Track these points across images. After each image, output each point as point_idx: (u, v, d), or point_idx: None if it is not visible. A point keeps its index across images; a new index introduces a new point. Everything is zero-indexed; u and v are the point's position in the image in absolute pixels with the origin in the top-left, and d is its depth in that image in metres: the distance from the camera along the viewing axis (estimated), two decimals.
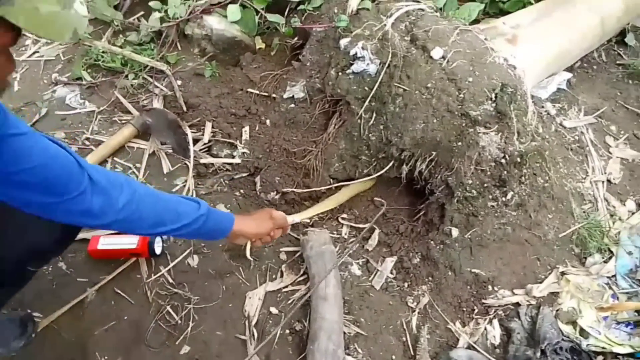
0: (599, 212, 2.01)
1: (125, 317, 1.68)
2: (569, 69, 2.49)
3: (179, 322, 1.67)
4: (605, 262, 1.87)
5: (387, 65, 1.89)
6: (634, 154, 2.24)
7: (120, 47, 2.40)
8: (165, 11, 2.39)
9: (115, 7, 2.54)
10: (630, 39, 2.66)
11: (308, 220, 2.01)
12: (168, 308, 1.69)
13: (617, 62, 2.63)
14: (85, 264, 1.79)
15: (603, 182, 2.11)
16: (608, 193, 2.08)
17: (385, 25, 1.96)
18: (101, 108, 2.24)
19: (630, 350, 1.63)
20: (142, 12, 2.58)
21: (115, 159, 2.08)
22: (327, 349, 1.52)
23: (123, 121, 2.21)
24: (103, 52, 2.35)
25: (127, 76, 2.33)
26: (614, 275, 1.84)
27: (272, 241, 1.63)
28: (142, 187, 1.23)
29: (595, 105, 2.40)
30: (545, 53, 2.25)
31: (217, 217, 1.39)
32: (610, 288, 1.80)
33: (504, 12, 2.56)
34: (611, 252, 1.90)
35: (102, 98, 2.27)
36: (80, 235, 1.82)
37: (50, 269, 1.75)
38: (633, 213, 2.03)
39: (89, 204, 1.07)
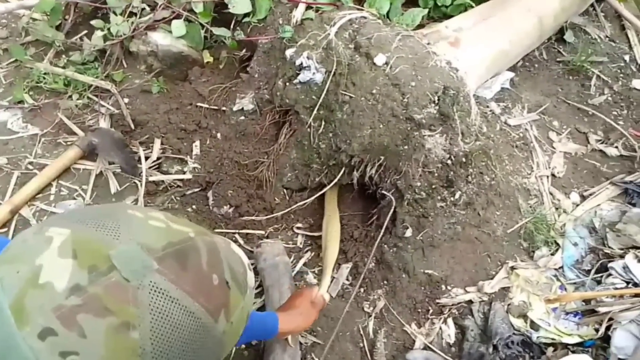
0: (545, 206, 2.07)
1: None
2: (512, 69, 2.56)
3: None
4: (552, 254, 1.93)
5: (332, 73, 1.91)
6: (576, 147, 2.32)
7: (63, 67, 2.35)
8: (108, 29, 2.35)
9: (57, 28, 2.48)
10: (569, 36, 2.76)
11: (263, 232, 2.01)
12: None
13: (557, 59, 2.72)
14: None
15: (548, 176, 2.18)
16: (553, 187, 2.15)
17: (329, 34, 1.98)
18: (45, 130, 2.18)
19: (579, 340, 1.69)
20: (85, 32, 2.52)
21: (60, 182, 2.03)
22: None
23: (68, 143, 2.16)
24: (45, 73, 2.30)
25: (70, 97, 2.28)
26: (561, 267, 1.90)
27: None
28: None
29: (538, 102, 2.48)
30: (488, 54, 2.31)
31: (259, 323, 1.32)
32: (558, 280, 1.85)
33: (447, 16, 2.61)
34: (557, 244, 1.96)
35: (46, 120, 2.22)
36: None
37: None
38: (577, 205, 2.10)
39: None
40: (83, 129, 2.21)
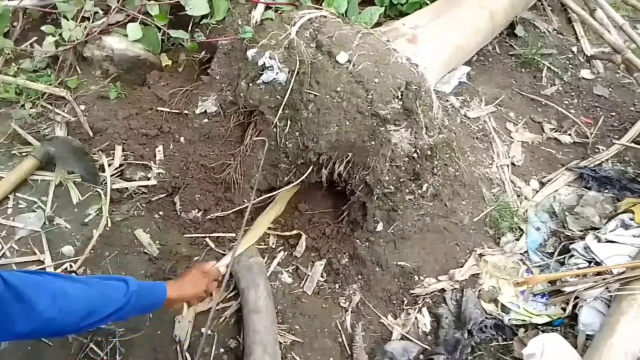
0: (507, 194, 2.15)
1: None
2: (467, 63, 2.64)
3: (105, 358, 1.59)
4: (517, 240, 2.00)
5: (296, 72, 1.91)
6: (532, 137, 2.42)
7: (14, 76, 2.25)
8: (60, 34, 2.27)
9: (5, 35, 2.37)
10: (519, 30, 2.87)
11: (234, 235, 1.98)
12: (91, 345, 1.60)
13: (510, 52, 2.82)
14: None
15: (508, 165, 2.26)
16: (513, 175, 2.23)
17: (290, 33, 1.98)
18: None
19: (548, 320, 1.76)
20: (35, 38, 2.43)
21: (17, 194, 1.94)
22: None
23: (23, 153, 2.07)
24: None
25: (23, 106, 2.19)
26: (526, 252, 1.97)
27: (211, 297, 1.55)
28: (61, 279, 1.12)
29: (494, 95, 2.57)
30: (445, 49, 2.37)
31: (148, 290, 1.32)
32: (524, 264, 1.93)
33: (403, 14, 2.67)
34: (521, 230, 2.04)
35: None
36: None
37: None
38: (537, 191, 2.19)
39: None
40: (38, 138, 2.12)
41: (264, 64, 1.97)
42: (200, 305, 1.74)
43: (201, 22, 2.28)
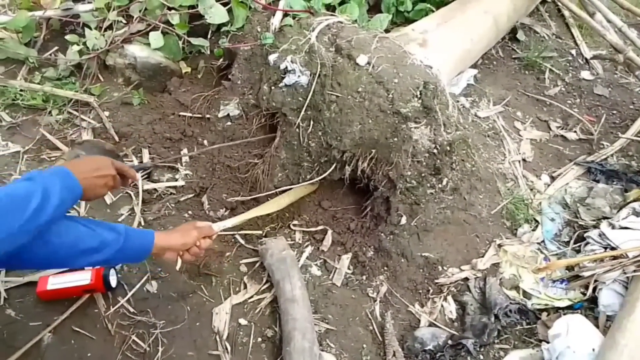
0: (521, 188, 2.24)
1: (89, 354, 1.60)
2: (474, 66, 2.75)
3: (148, 349, 1.63)
4: (533, 230, 2.09)
5: (317, 75, 2.00)
6: (540, 134, 2.52)
7: (39, 83, 2.31)
8: (84, 43, 2.34)
9: (27, 45, 2.44)
10: (520, 35, 3.00)
11: (261, 232, 2.05)
12: (133, 337, 1.65)
13: (513, 56, 2.94)
14: (35, 307, 1.69)
15: (519, 161, 2.36)
16: (525, 170, 2.33)
17: (310, 38, 2.07)
18: (26, 147, 2.13)
19: (568, 303, 1.84)
20: (56, 47, 2.50)
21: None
22: (303, 347, 1.56)
23: (52, 158, 2.12)
24: (21, 90, 2.25)
25: (50, 112, 2.25)
26: (543, 241, 2.06)
27: (202, 253, 1.57)
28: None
29: (500, 96, 2.68)
30: (453, 53, 2.48)
31: (138, 234, 1.38)
32: (542, 252, 2.01)
33: (409, 21, 2.78)
34: (537, 221, 2.12)
35: (26, 137, 2.17)
36: (27, 279, 1.74)
37: None
38: (548, 185, 2.29)
39: None
40: (65, 143, 2.18)
41: (286, 67, 2.05)
42: (235, 298, 1.81)
43: (221, 30, 2.37)
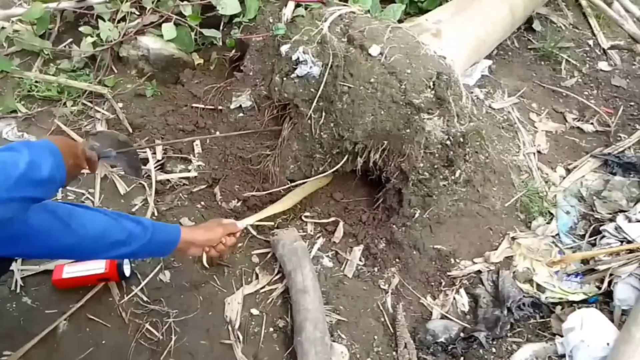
0: (535, 180, 2.21)
1: (103, 342, 1.63)
2: (489, 57, 2.72)
3: (161, 337, 1.65)
4: (548, 223, 2.06)
5: (329, 66, 1.98)
6: (556, 126, 2.48)
7: (54, 75, 2.34)
8: (98, 35, 2.36)
9: (42, 36, 2.46)
10: (537, 25, 2.95)
11: (272, 223, 2.05)
12: (147, 325, 1.66)
13: (529, 47, 2.90)
14: (51, 295, 1.72)
15: (534, 153, 2.33)
16: (540, 162, 2.30)
17: (322, 29, 2.05)
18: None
19: (583, 297, 1.82)
20: (70, 39, 2.52)
21: (66, 187, 2.01)
22: (314, 337, 1.56)
23: None
24: (36, 82, 2.28)
25: (65, 104, 2.27)
26: (557, 234, 2.03)
27: (227, 250, 1.59)
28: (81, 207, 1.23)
29: (515, 87, 2.64)
30: (467, 43, 2.45)
31: (164, 228, 1.39)
32: (556, 245, 1.98)
33: (422, 11, 2.75)
34: (551, 214, 2.10)
35: (42, 128, 2.19)
36: (43, 267, 1.76)
37: (14, 305, 1.67)
38: (564, 178, 2.25)
39: None
40: (79, 135, 2.20)
41: (298, 58, 2.04)
42: (247, 288, 1.82)
43: (233, 22, 2.37)
